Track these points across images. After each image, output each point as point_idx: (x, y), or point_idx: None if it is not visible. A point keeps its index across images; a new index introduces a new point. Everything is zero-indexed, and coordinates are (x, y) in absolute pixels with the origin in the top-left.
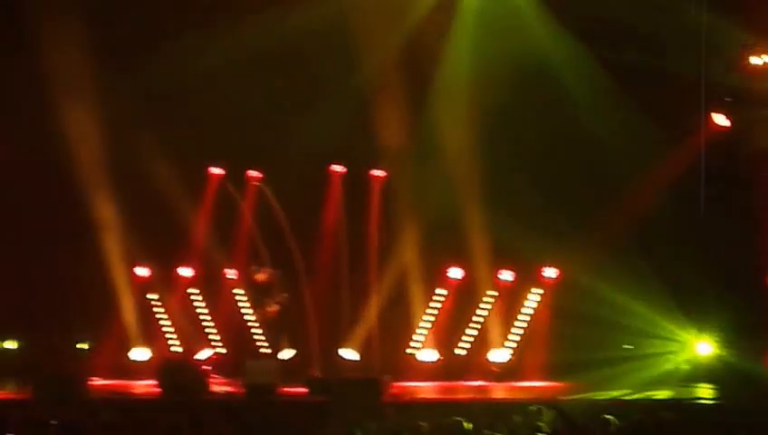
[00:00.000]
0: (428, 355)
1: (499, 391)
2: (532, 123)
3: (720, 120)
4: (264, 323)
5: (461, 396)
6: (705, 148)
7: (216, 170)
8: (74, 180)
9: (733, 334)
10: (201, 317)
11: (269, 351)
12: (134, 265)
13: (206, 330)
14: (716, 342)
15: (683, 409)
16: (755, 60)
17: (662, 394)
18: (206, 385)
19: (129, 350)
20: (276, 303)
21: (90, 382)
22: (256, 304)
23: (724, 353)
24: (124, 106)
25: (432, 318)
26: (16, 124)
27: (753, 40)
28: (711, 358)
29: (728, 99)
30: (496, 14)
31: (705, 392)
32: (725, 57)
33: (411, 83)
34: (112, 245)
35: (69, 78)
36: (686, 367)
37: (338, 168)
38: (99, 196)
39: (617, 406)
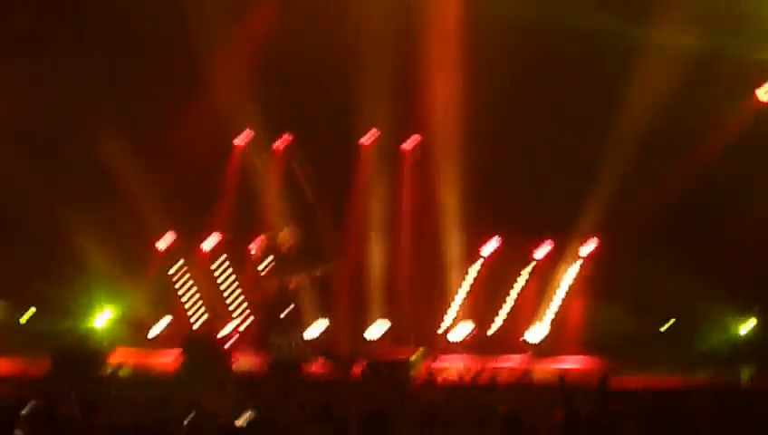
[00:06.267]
0: (463, 330)
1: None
2: (570, 97)
3: (764, 94)
4: (287, 297)
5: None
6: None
7: (243, 139)
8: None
9: None
10: (224, 289)
11: (295, 327)
12: (157, 236)
13: (231, 303)
14: (759, 322)
15: (717, 393)
16: None
17: (698, 377)
18: (229, 360)
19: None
20: (319, 274)
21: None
22: (282, 277)
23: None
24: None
25: (466, 291)
26: None
27: None
28: (753, 338)
29: None
30: None
31: (744, 375)
32: None
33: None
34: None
35: None
36: (725, 347)
37: (370, 138)
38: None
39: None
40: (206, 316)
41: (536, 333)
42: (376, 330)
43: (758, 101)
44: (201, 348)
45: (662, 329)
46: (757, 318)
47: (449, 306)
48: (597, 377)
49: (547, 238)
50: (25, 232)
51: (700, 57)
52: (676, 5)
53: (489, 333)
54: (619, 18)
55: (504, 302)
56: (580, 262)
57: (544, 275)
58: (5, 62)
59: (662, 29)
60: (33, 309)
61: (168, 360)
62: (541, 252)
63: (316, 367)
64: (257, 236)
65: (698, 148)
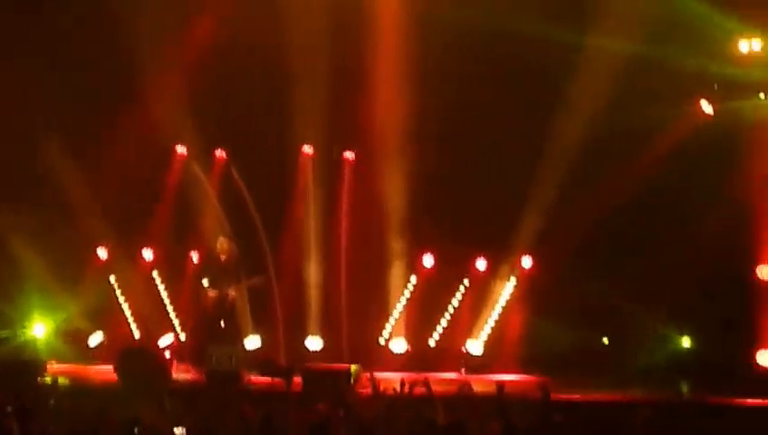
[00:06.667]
0: (400, 346)
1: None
2: (507, 111)
3: (706, 107)
4: (225, 307)
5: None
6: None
7: (180, 149)
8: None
9: (714, 329)
10: (163, 301)
11: (233, 338)
12: (95, 247)
13: (168, 314)
14: (697, 336)
15: (661, 406)
16: (743, 48)
17: (639, 391)
18: (167, 372)
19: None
20: (249, 285)
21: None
22: (218, 287)
23: (705, 348)
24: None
25: (403, 306)
26: None
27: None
28: (691, 353)
29: (716, 86)
30: None
31: (684, 388)
32: (714, 45)
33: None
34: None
35: None
36: (665, 362)
37: (308, 149)
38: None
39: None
40: (144, 327)
41: (473, 348)
42: (314, 341)
43: (701, 111)
44: (140, 359)
45: (600, 344)
46: (696, 331)
47: (387, 320)
48: (537, 389)
49: (485, 251)
50: None
51: (643, 65)
52: (620, 13)
53: (426, 346)
54: (560, 24)
55: (442, 316)
56: (517, 276)
57: (482, 289)
58: None
59: (605, 36)
60: None
61: (107, 371)
62: (479, 265)
63: (255, 378)
64: (196, 246)
65: (641, 159)
